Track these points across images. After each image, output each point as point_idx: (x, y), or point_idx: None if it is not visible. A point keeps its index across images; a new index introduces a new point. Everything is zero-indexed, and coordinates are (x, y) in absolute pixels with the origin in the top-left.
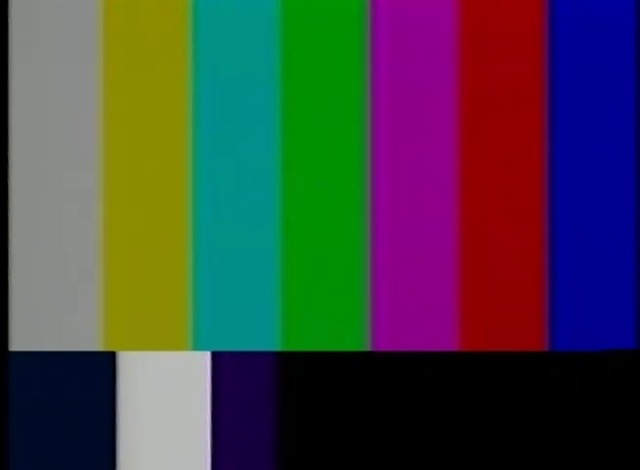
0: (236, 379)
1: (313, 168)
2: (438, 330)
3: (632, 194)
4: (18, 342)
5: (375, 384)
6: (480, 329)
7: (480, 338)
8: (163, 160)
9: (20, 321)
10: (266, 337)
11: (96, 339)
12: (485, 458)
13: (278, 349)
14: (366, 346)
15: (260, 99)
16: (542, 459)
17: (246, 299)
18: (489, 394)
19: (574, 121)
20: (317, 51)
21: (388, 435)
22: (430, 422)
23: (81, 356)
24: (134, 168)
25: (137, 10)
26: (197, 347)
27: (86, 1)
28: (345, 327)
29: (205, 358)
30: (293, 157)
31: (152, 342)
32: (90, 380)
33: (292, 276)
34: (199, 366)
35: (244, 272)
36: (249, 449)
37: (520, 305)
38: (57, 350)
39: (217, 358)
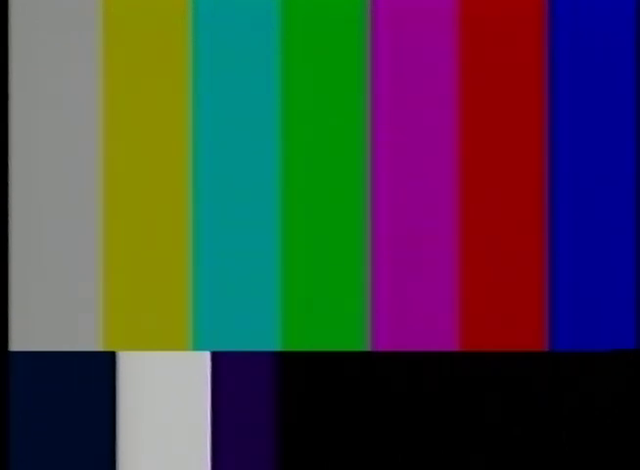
0: (236, 379)
1: (313, 168)
2: (438, 330)
3: (632, 194)
4: (18, 342)
5: (375, 384)
6: (480, 329)
7: (480, 338)
8: (164, 159)
9: (20, 321)
10: (266, 337)
11: (96, 339)
12: (485, 458)
13: (278, 349)
14: (366, 346)
15: (260, 97)
16: (542, 459)
17: (246, 299)
18: (489, 394)
19: (575, 120)
20: (317, 50)
21: (389, 435)
22: (430, 422)
23: (81, 356)
24: (134, 169)
25: (137, 10)
26: (197, 347)
27: (86, 1)
28: (345, 327)
29: (205, 358)
30: (293, 157)
31: (152, 342)
32: (90, 380)
33: (292, 276)
34: (199, 366)
35: (243, 272)
36: (249, 449)
37: (520, 305)
38: (57, 350)
39: (217, 358)
